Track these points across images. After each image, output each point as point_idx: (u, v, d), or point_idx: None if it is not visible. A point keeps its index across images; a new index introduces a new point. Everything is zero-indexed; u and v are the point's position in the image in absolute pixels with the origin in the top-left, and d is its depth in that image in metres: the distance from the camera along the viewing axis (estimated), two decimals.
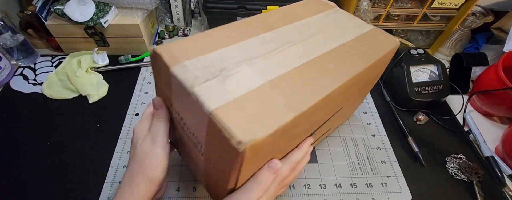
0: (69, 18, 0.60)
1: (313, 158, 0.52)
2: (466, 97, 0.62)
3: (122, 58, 0.68)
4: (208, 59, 0.29)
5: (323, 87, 0.30)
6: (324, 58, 0.34)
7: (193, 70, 0.28)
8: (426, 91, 0.59)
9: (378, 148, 0.55)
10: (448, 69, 0.67)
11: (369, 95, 0.65)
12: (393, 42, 0.40)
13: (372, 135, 0.57)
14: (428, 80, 0.60)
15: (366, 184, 0.50)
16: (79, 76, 0.61)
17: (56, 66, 0.66)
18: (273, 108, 0.27)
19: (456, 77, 0.65)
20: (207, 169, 0.34)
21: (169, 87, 0.31)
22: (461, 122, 0.61)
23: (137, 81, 0.64)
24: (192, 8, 0.77)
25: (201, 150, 0.31)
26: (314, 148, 0.54)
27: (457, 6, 0.66)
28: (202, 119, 0.26)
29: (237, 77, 0.28)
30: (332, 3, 0.45)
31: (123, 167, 0.49)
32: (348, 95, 0.40)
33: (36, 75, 0.64)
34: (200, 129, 0.29)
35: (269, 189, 0.32)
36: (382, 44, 0.39)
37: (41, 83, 0.62)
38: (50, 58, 0.68)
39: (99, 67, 0.65)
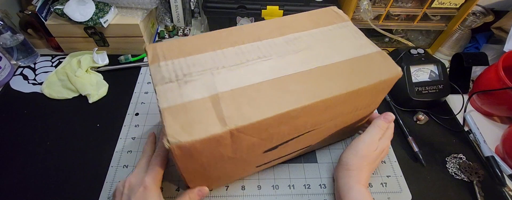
0: (69, 18, 0.60)
1: (313, 158, 0.52)
2: (466, 97, 0.62)
3: (122, 58, 0.68)
4: (180, 63, 0.34)
5: (273, 108, 0.31)
6: (292, 78, 0.34)
7: (163, 71, 0.34)
8: (426, 91, 0.59)
9: None
10: (448, 69, 0.67)
11: None
12: (393, 71, 0.36)
13: None
14: (428, 80, 0.60)
15: None
16: (79, 76, 0.61)
17: (56, 66, 0.66)
18: (210, 119, 0.30)
19: (456, 77, 0.65)
20: None
21: None
22: (461, 121, 0.61)
23: (137, 81, 0.64)
24: (192, 8, 0.77)
25: None
26: None
27: (457, 6, 0.65)
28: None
29: (195, 84, 0.32)
30: (346, 17, 0.43)
31: (123, 167, 0.49)
32: (323, 119, 0.38)
33: (36, 75, 0.64)
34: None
35: (385, 134, 0.44)
36: (378, 71, 0.36)
37: (41, 83, 0.62)
38: (50, 58, 0.68)
39: (99, 67, 0.65)
